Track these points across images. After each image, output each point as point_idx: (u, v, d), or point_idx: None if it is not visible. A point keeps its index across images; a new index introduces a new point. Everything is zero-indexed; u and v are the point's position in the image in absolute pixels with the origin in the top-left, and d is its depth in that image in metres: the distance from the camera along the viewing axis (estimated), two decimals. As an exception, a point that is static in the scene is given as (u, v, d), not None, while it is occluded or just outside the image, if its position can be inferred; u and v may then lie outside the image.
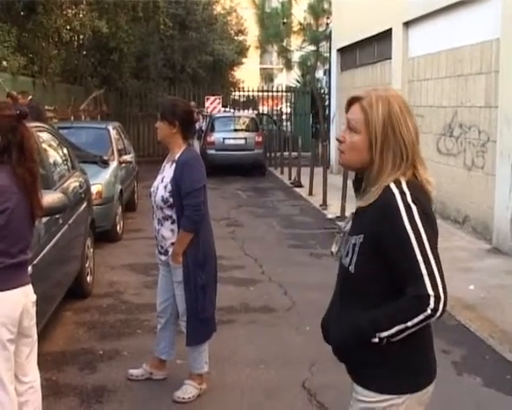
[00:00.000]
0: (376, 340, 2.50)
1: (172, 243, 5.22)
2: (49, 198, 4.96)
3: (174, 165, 5.17)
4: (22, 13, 18.96)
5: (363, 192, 2.64)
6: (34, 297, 4.04)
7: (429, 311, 2.41)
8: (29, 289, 3.99)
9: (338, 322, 2.68)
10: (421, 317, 2.43)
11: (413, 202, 2.45)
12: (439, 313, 2.44)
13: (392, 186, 2.50)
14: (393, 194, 2.48)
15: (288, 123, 30.74)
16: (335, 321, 2.70)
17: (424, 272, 2.42)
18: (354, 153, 2.61)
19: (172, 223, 5.21)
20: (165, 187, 5.18)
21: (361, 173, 2.66)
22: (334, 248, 2.83)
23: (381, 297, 2.54)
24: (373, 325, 2.50)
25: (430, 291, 2.41)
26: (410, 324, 2.44)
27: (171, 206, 5.16)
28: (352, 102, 2.65)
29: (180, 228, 5.13)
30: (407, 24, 14.96)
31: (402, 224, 2.43)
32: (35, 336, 4.11)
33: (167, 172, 5.22)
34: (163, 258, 5.34)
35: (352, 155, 2.62)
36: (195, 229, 5.13)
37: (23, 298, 3.88)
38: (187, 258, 5.15)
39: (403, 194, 2.47)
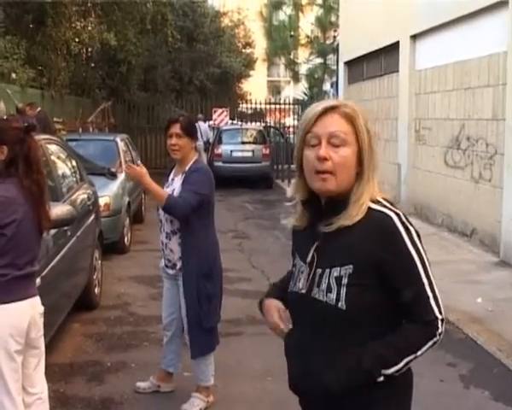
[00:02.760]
0: (381, 379, 2.26)
1: (180, 257, 5.23)
2: (58, 210, 4.98)
3: (184, 175, 5.18)
4: (31, 25, 19.10)
5: (329, 215, 2.32)
6: (42, 309, 4.05)
7: (438, 335, 2.27)
8: (36, 300, 4.00)
9: (328, 367, 2.30)
10: (430, 343, 2.27)
11: (408, 222, 2.28)
12: (442, 336, 2.30)
13: (378, 207, 2.28)
14: (388, 216, 2.26)
15: (296, 135, 30.82)
16: (324, 366, 2.31)
17: (430, 294, 2.26)
18: (346, 171, 2.28)
19: (180, 237, 5.21)
20: None
21: (331, 196, 2.32)
22: (302, 285, 2.39)
23: (376, 329, 2.29)
24: (379, 362, 2.25)
25: (437, 314, 2.26)
26: (419, 353, 2.27)
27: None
28: (322, 113, 2.29)
29: (169, 196, 5.06)
30: (414, 37, 14.97)
31: (405, 247, 2.24)
32: (43, 348, 4.12)
33: (177, 183, 5.21)
34: (170, 272, 5.34)
35: (343, 174, 2.27)
36: (167, 210, 5.04)
37: (30, 309, 3.89)
38: (191, 267, 5.14)
39: (397, 215, 2.27)
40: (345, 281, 2.25)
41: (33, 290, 3.98)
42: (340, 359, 2.27)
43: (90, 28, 20.98)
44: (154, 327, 7.21)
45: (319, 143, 2.27)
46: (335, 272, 2.27)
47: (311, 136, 2.30)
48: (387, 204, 2.30)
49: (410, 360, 2.27)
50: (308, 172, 2.32)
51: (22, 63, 16.16)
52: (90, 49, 23.17)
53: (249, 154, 21.32)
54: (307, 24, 31.78)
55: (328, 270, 2.30)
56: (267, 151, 21.45)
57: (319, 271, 2.32)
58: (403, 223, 2.26)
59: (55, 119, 17.15)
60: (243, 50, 40.48)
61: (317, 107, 2.32)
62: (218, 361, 5.48)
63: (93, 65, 24.79)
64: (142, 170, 5.08)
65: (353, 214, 2.26)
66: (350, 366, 2.25)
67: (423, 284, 2.26)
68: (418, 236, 2.29)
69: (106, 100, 24.51)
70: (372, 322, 2.29)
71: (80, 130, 19.14)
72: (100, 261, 8.47)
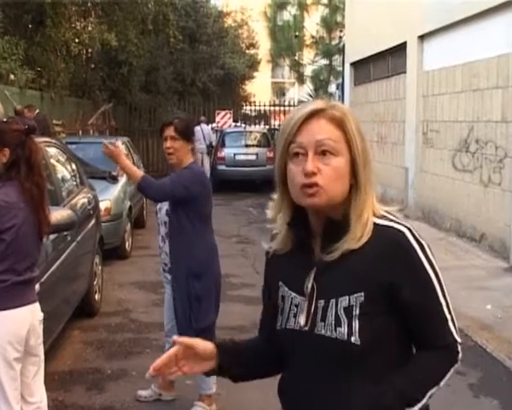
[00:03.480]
0: None
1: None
2: (58, 215, 4.99)
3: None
4: (30, 26, 19.13)
5: (328, 238, 2.05)
6: (41, 315, 4.06)
7: (458, 360, 2.08)
8: (36, 307, 4.01)
9: (343, 408, 2.04)
10: (451, 370, 2.07)
11: (419, 236, 2.06)
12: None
13: (387, 222, 2.05)
14: (400, 231, 2.02)
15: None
16: (337, 407, 2.05)
17: (448, 316, 2.05)
18: (338, 182, 2.00)
19: (171, 239, 5.21)
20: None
21: (322, 211, 2.05)
22: (302, 321, 2.08)
23: (393, 360, 2.06)
24: (402, 400, 2.00)
25: (456, 337, 2.07)
26: (442, 383, 2.05)
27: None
28: (307, 118, 2.00)
29: (146, 177, 5.10)
30: (422, 37, 14.98)
31: (421, 265, 2.03)
32: (42, 356, 4.13)
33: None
34: (168, 276, 5.36)
35: (335, 187, 1.99)
36: (141, 189, 5.08)
37: (30, 316, 3.90)
38: (181, 268, 5.14)
39: (409, 230, 2.04)
40: (356, 311, 1.98)
41: (33, 297, 3.99)
42: (357, 400, 1.99)
43: (90, 29, 21.03)
44: (156, 334, 7.22)
45: (305, 154, 1.98)
46: (344, 302, 2.01)
47: (294, 146, 2.00)
48: (394, 218, 2.08)
49: (433, 392, 2.04)
50: (294, 187, 2.02)
51: (21, 64, 16.19)
52: (90, 50, 23.18)
53: (253, 157, 21.33)
54: (312, 24, 31.76)
55: (333, 301, 2.02)
56: (271, 154, 21.40)
57: (321, 302, 2.04)
58: (416, 238, 2.04)
59: (54, 121, 17.17)
60: (247, 51, 40.48)
61: (300, 111, 2.03)
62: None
63: (93, 66, 24.84)
64: (117, 149, 5.11)
65: (358, 236, 2.01)
66: (367, 406, 1.99)
67: (441, 305, 2.05)
68: (431, 251, 2.08)
69: (106, 102, 24.55)
70: (389, 353, 2.05)
71: (80, 132, 19.18)
72: (100, 267, 8.48)
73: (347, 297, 2.00)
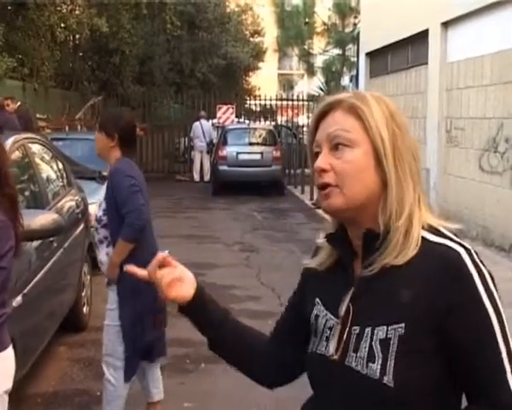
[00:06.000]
0: None
1: None
2: (43, 219, 4.98)
3: (107, 181, 5.25)
4: (10, 8, 19.09)
5: (368, 251, 1.88)
6: None
7: None
8: None
9: None
10: None
11: (481, 262, 1.82)
12: None
13: (442, 240, 1.83)
14: (455, 251, 1.80)
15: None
16: None
17: (508, 368, 1.76)
18: (355, 178, 1.85)
19: (108, 245, 5.21)
20: (100, 205, 5.23)
21: (362, 225, 1.90)
22: (332, 348, 1.92)
23: None
24: None
25: None
26: None
27: (105, 226, 5.17)
28: (325, 112, 1.93)
29: (120, 237, 5.10)
30: (446, 24, 14.97)
31: (479, 299, 1.79)
32: None
33: (104, 188, 5.30)
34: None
35: (352, 185, 1.85)
36: (136, 238, 5.09)
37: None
38: (123, 282, 5.09)
39: (467, 251, 1.81)
40: (393, 347, 1.79)
41: None
42: None
43: (77, 12, 21.05)
44: (149, 352, 7.21)
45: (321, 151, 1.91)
46: (380, 332, 1.81)
47: (314, 146, 1.95)
48: (450, 235, 1.86)
49: None
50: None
51: (0, 51, 16.20)
52: (77, 37, 23.24)
53: (258, 156, 21.33)
54: (324, 10, 31.83)
55: (369, 330, 1.83)
56: (278, 154, 21.45)
57: (356, 329, 1.87)
58: (474, 262, 1.80)
59: (38, 115, 17.23)
60: (251, 39, 40.64)
61: (318, 106, 1.99)
62: (222, 391, 5.48)
63: (81, 54, 24.91)
64: (115, 270, 5.11)
65: (399, 248, 1.82)
66: None
67: (500, 353, 1.77)
68: (493, 281, 1.84)
69: (96, 94, 24.58)
70: (429, 403, 1.83)
71: (67, 128, 19.18)
72: (89, 277, 8.47)
73: (385, 328, 1.81)
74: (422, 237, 1.83)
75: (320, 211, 16.12)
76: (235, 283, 9.79)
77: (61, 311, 7.09)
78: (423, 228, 1.85)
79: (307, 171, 21.17)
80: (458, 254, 1.79)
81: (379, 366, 1.79)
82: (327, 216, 1.99)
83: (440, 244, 1.81)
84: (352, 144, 1.85)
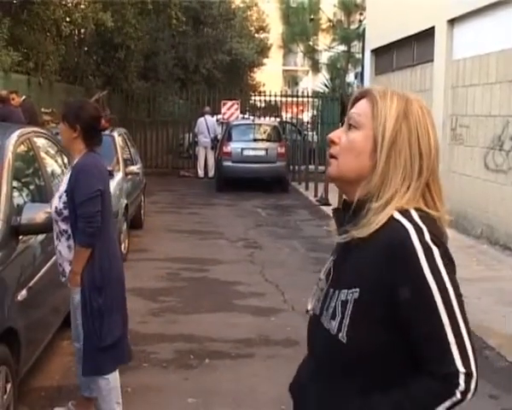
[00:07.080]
0: None
1: (71, 262, 5.18)
2: (48, 213, 4.98)
3: (70, 172, 5.20)
4: (15, 2, 19.10)
5: (350, 220, 2.12)
6: None
7: (459, 395, 1.94)
8: None
9: None
10: (447, 404, 1.95)
11: (433, 241, 1.97)
12: (469, 396, 1.97)
13: (400, 217, 2.00)
14: (404, 228, 1.98)
15: (314, 133, 30.74)
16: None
17: (452, 340, 1.93)
18: (351, 156, 2.11)
19: (68, 239, 5.16)
20: (60, 197, 5.16)
21: (350, 196, 2.16)
22: (309, 305, 2.26)
23: (386, 378, 2.03)
24: None
25: (460, 367, 1.93)
26: None
27: (65, 219, 5.13)
28: (359, 97, 2.19)
29: (76, 243, 5.08)
30: (452, 21, 14.95)
31: (421, 275, 1.94)
32: None
33: (64, 180, 5.25)
34: (62, 279, 5.31)
35: (347, 160, 2.12)
36: (91, 243, 5.04)
37: None
38: (83, 279, 5.07)
39: (419, 230, 1.97)
40: (349, 308, 2.03)
41: None
42: (332, 407, 2.09)
43: (83, 6, 21.03)
44: (153, 346, 7.22)
45: None
46: (342, 294, 2.07)
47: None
48: (415, 217, 2.01)
49: None
50: None
51: (5, 45, 16.20)
52: (82, 31, 23.22)
53: (262, 153, 21.31)
54: (329, 6, 31.81)
55: (337, 291, 2.10)
56: (282, 150, 21.42)
57: (331, 291, 2.15)
58: (422, 240, 1.96)
59: (42, 109, 17.20)
60: (256, 35, 40.65)
61: (354, 93, 2.28)
62: (226, 386, 5.47)
63: (86, 49, 24.88)
64: (76, 279, 5.08)
65: (365, 223, 2.04)
66: None
67: (442, 326, 1.93)
68: (448, 261, 1.99)
69: (100, 89, 24.55)
70: (378, 366, 2.03)
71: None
72: (93, 272, 8.47)
73: (346, 291, 2.07)
74: (391, 216, 2.01)
75: (324, 208, 16.16)
76: (239, 279, 9.80)
77: (64, 306, 7.08)
78: (399, 209, 2.02)
79: (311, 167, 21.23)
80: (406, 230, 1.98)
81: (337, 324, 2.05)
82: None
83: (397, 221, 2.00)
84: (358, 126, 2.13)
